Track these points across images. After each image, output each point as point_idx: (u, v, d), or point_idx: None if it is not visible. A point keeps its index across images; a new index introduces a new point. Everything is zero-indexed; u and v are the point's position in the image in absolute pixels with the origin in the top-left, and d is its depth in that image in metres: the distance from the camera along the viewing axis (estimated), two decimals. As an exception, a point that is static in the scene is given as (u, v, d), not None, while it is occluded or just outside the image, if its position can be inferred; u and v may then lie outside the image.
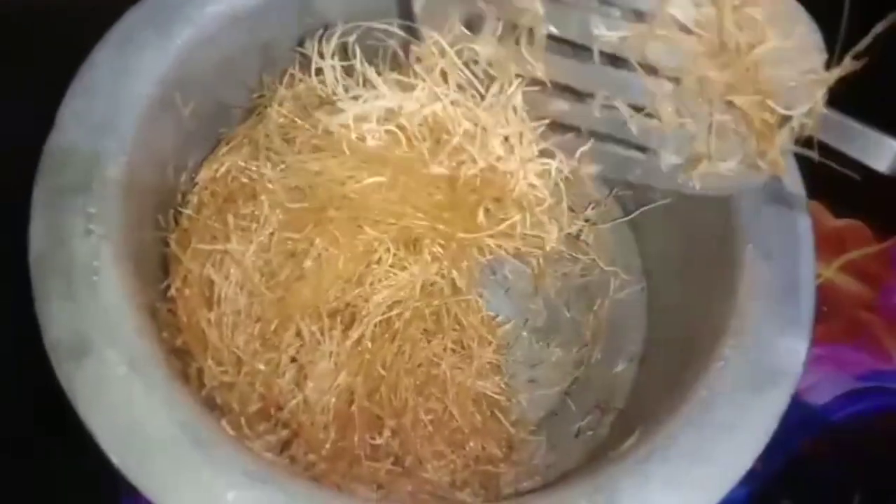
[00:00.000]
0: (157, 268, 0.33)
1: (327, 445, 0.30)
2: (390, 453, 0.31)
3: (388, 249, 0.31)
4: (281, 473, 0.25)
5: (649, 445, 0.26)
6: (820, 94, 0.27)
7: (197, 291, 0.32)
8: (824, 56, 0.27)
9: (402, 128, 0.29)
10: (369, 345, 0.31)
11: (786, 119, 0.28)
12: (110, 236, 0.28)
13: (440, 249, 0.31)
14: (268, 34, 0.35)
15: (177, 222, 0.34)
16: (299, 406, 0.30)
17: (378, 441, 0.30)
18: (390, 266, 0.31)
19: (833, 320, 0.47)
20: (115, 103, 0.30)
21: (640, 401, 0.36)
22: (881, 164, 0.27)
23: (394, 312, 0.31)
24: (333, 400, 0.30)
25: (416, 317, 0.32)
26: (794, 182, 0.32)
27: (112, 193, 0.29)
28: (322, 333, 0.30)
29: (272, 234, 0.31)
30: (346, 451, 0.30)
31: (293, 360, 0.31)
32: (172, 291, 0.32)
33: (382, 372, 0.31)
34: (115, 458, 0.24)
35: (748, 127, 0.29)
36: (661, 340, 0.36)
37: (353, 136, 0.29)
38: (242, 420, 0.30)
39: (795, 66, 0.27)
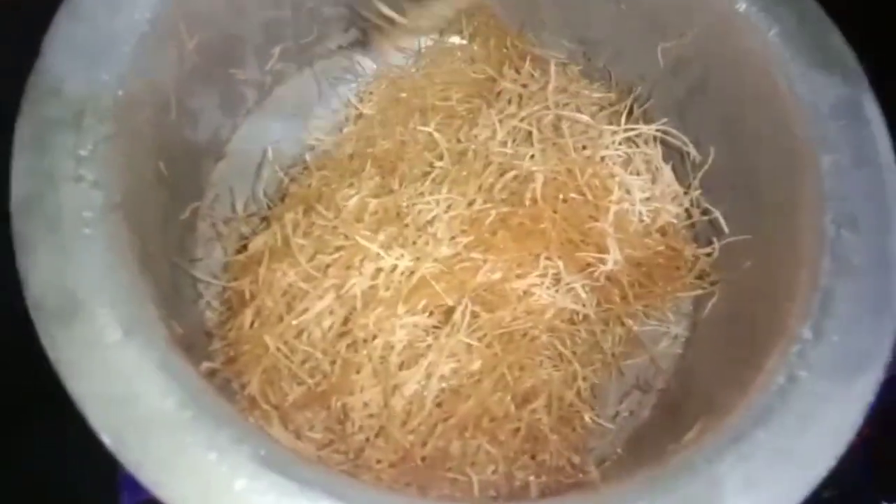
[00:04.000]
0: (158, 220, 0.29)
1: (411, 438, 0.28)
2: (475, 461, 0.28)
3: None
4: (295, 459, 0.22)
5: (717, 440, 0.23)
6: None
7: (273, 300, 0.29)
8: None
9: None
10: (496, 346, 0.29)
11: None
12: (103, 183, 0.24)
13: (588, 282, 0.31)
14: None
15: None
16: (392, 391, 0.28)
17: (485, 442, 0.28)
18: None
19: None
20: (109, 30, 0.26)
21: (687, 383, 0.32)
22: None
23: (525, 325, 0.30)
24: (444, 386, 0.28)
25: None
26: (881, 140, 0.28)
27: (106, 133, 0.25)
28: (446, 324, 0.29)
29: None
30: (434, 453, 0.28)
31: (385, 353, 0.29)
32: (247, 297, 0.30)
33: (508, 375, 0.29)
34: (106, 437, 0.21)
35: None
36: (712, 318, 0.33)
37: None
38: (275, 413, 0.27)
39: None
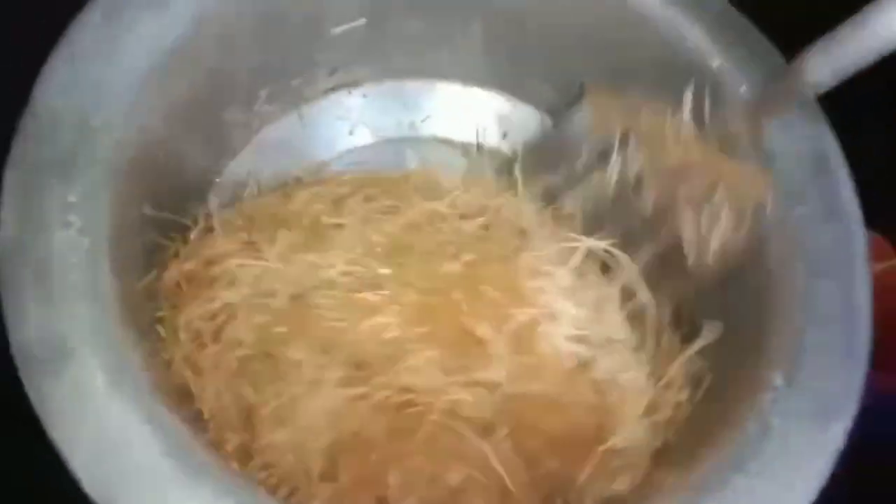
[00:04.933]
0: (140, 264, 0.29)
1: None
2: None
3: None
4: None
5: (699, 489, 0.23)
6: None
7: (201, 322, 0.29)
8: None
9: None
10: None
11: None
12: (91, 229, 0.24)
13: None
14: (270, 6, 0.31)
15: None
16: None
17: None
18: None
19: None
20: (104, 77, 0.26)
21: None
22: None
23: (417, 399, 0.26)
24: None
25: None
26: (846, 193, 0.30)
27: (98, 178, 0.25)
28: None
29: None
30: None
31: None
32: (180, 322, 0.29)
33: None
34: (92, 489, 0.21)
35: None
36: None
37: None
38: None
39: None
